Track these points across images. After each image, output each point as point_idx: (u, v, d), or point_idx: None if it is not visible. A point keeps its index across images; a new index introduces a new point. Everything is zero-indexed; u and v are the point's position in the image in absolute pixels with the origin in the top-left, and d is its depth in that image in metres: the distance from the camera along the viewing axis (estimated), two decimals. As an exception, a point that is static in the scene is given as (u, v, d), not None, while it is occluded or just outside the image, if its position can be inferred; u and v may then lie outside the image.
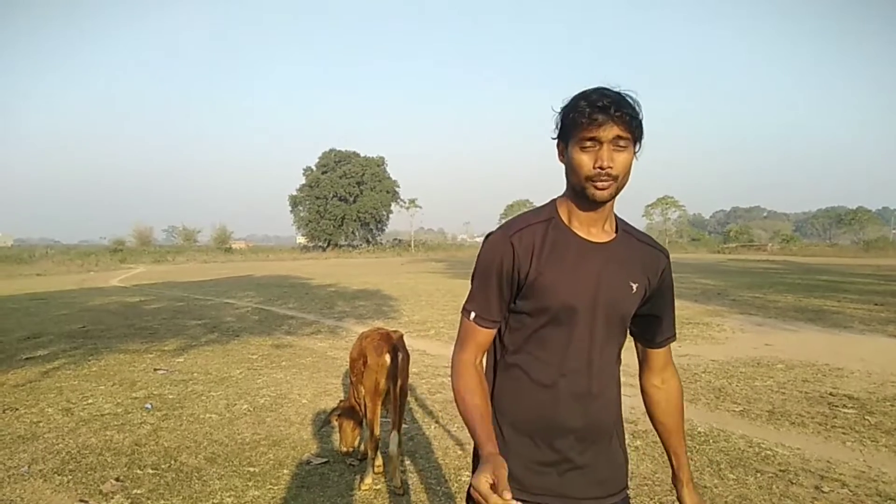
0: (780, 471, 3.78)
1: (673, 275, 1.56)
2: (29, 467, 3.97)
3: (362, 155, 65.91)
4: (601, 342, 1.42)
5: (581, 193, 1.38)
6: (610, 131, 1.30)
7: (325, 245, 63.76)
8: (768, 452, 4.09)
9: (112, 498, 3.49)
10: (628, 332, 1.53)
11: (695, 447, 4.19)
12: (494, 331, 1.48)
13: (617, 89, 1.34)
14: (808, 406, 5.17)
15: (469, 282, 1.51)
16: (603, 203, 1.38)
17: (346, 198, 63.61)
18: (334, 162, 64.79)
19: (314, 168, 65.42)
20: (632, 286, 1.44)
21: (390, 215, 67.59)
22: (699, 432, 4.50)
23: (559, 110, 1.39)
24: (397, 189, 66.82)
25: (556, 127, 1.40)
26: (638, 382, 1.62)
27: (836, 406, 5.15)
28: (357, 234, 66.91)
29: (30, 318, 11.58)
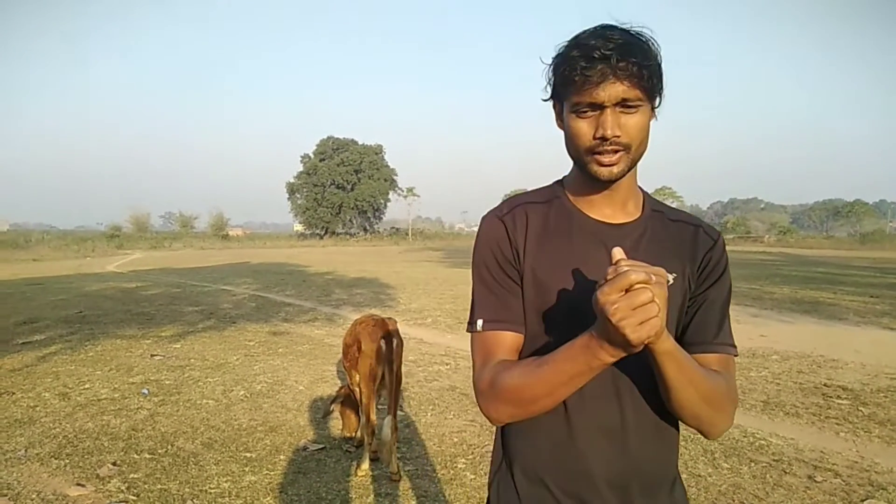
0: (774, 460, 3.81)
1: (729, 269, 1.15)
2: (26, 451, 3.98)
3: (360, 143, 65.78)
4: (632, 358, 0.96)
5: (582, 170, 1.07)
6: (613, 91, 0.97)
7: (323, 233, 63.72)
8: (762, 442, 4.12)
9: (109, 482, 3.50)
10: None
11: (689, 436, 4.21)
12: (520, 336, 1.10)
13: (625, 26, 1.00)
14: (803, 397, 5.20)
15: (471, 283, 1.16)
16: (611, 181, 1.05)
17: (343, 185, 63.48)
18: (332, 149, 64.60)
19: (312, 155, 65.22)
20: (667, 277, 0.97)
21: (388, 203, 67.57)
22: (694, 422, 4.52)
23: (550, 60, 1.05)
24: (395, 177, 66.76)
25: (548, 84, 1.07)
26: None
27: (830, 397, 5.18)
28: (354, 221, 66.86)
29: (26, 302, 11.56)
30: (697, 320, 1.12)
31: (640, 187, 1.16)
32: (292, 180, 65.60)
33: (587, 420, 1.06)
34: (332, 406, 4.09)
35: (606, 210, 1.11)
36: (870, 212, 69.05)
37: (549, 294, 1.07)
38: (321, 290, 13.97)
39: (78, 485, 3.46)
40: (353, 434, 4.06)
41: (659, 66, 1.01)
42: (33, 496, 3.33)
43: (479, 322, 1.10)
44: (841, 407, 4.90)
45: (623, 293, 0.83)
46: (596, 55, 0.96)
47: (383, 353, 3.57)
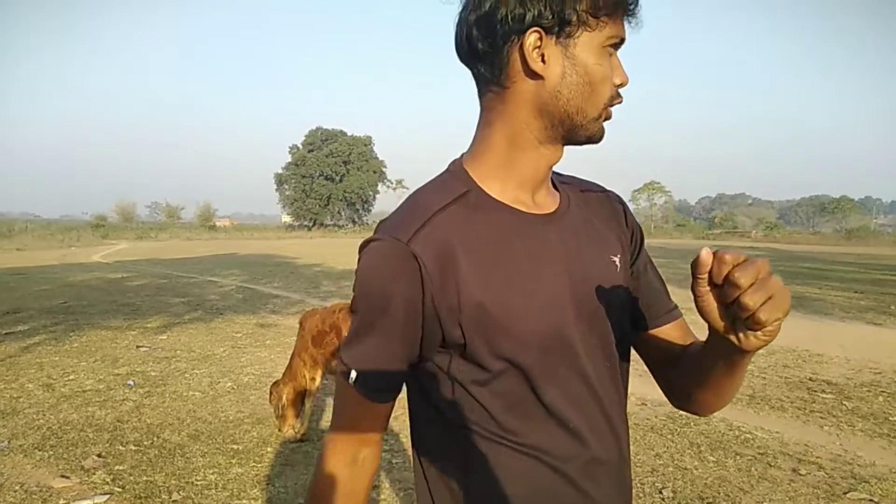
0: (759, 454, 3.84)
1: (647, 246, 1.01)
2: (9, 442, 3.93)
3: (349, 134, 65.41)
4: (603, 368, 0.87)
5: (575, 129, 0.81)
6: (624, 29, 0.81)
7: (311, 224, 63.41)
8: (748, 436, 4.16)
9: (94, 474, 3.47)
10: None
11: (676, 429, 4.25)
12: (389, 406, 0.87)
13: None
14: (788, 391, 5.26)
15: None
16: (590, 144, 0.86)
17: (332, 177, 63.14)
18: (321, 140, 64.18)
19: (300, 146, 64.78)
20: (614, 262, 0.89)
21: (377, 196, 67.35)
22: (680, 415, 4.55)
23: None
24: (384, 169, 66.52)
25: (544, 8, 0.75)
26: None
27: (815, 391, 5.24)
28: (343, 213, 66.59)
29: (9, 293, 11.41)
30: (648, 291, 0.96)
31: None
32: (280, 171, 65.17)
33: (585, 460, 0.90)
34: (281, 409, 4.03)
35: (536, 195, 0.86)
36: (855, 208, 69.73)
37: (513, 329, 0.79)
38: (309, 282, 13.91)
39: (62, 476, 3.43)
40: (296, 430, 4.03)
41: None
42: (16, 488, 3.29)
43: (353, 374, 0.81)
44: (825, 401, 4.96)
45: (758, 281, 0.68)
46: None
47: None
